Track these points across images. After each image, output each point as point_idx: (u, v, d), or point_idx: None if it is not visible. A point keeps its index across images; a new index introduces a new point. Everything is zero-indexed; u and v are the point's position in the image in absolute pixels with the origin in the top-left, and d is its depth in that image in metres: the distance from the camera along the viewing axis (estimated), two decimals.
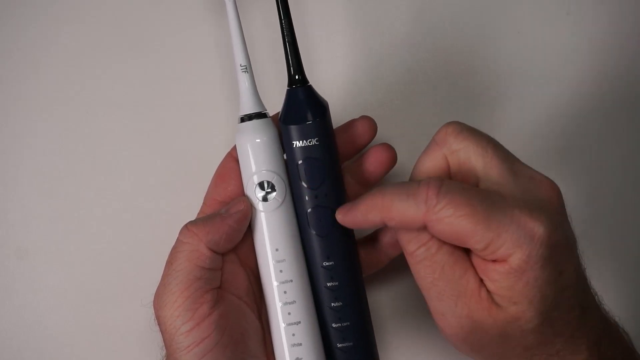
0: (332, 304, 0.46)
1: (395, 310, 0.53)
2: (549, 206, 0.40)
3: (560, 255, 0.40)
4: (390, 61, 0.54)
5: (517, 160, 0.42)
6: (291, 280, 0.45)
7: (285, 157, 0.46)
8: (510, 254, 0.39)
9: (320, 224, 0.46)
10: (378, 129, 0.49)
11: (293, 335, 0.45)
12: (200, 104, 0.54)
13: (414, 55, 0.54)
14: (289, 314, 0.45)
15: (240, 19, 0.47)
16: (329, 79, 0.53)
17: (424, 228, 0.40)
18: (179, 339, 0.43)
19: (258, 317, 0.47)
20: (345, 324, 0.46)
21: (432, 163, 0.43)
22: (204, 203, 0.48)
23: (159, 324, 0.44)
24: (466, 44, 0.54)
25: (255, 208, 0.46)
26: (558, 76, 0.54)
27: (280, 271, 0.45)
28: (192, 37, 0.54)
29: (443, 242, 0.41)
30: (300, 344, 0.45)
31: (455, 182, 0.40)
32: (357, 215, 0.43)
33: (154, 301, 0.45)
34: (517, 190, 0.40)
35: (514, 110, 0.54)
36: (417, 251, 0.42)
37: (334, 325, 0.46)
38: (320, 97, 0.46)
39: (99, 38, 0.54)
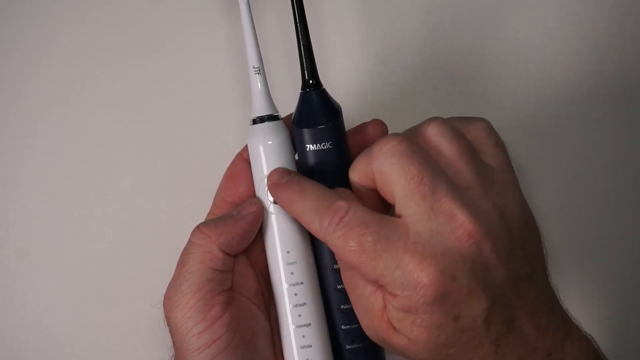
0: (342, 306, 0.46)
1: None
2: (453, 254, 0.39)
3: (455, 303, 0.39)
4: (390, 61, 0.54)
5: (449, 195, 0.40)
6: (302, 283, 0.46)
7: (296, 158, 0.46)
8: (396, 295, 0.40)
9: None
10: None
11: (303, 337, 0.45)
12: (200, 103, 0.54)
13: (414, 55, 0.54)
14: (299, 316, 0.45)
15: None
16: (328, 79, 0.53)
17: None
18: (190, 340, 0.43)
19: (267, 318, 0.47)
20: (354, 326, 0.46)
21: (362, 171, 0.43)
22: (213, 204, 0.48)
23: (169, 325, 0.44)
24: (466, 44, 0.54)
25: (266, 210, 0.46)
26: (558, 76, 0.54)
27: (291, 273, 0.46)
28: (194, 37, 0.53)
29: None
30: (310, 346, 0.45)
31: (361, 212, 0.41)
32: (278, 198, 0.45)
33: (164, 302, 0.44)
34: (424, 231, 0.39)
35: (514, 110, 0.54)
36: (339, 262, 0.44)
37: (343, 327, 0.46)
38: (334, 100, 0.46)
39: (99, 38, 0.54)
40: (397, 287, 0.39)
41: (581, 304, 0.51)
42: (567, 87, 0.54)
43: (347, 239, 0.40)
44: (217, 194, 0.48)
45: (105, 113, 0.53)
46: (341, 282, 0.45)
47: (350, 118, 0.50)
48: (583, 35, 0.55)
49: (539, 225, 0.44)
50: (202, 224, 0.45)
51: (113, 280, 0.53)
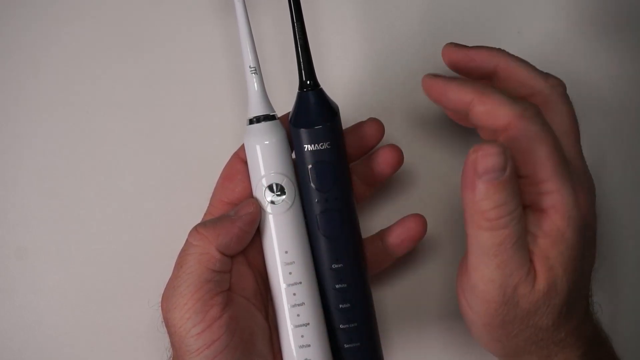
0: (341, 305, 0.46)
1: (397, 309, 0.53)
2: (592, 197, 0.44)
3: (586, 239, 0.41)
4: (391, 61, 0.54)
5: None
6: (300, 282, 0.46)
7: (293, 156, 0.46)
8: (553, 206, 0.40)
9: (330, 227, 0.46)
10: None
11: (302, 336, 0.45)
12: (200, 104, 0.54)
13: (414, 55, 0.54)
14: (298, 315, 0.45)
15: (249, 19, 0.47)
16: (328, 79, 0.53)
17: (503, 129, 0.41)
18: (189, 341, 0.43)
19: (265, 318, 0.47)
20: (352, 325, 0.46)
21: (519, 89, 0.45)
22: (210, 204, 0.48)
23: (168, 326, 0.44)
24: (466, 44, 0.54)
25: (264, 210, 0.46)
26: (558, 77, 0.54)
27: (290, 273, 0.45)
28: (194, 37, 0.54)
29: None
30: (309, 345, 0.45)
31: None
32: (445, 88, 0.44)
33: (162, 303, 0.44)
34: (578, 172, 0.44)
35: None
36: (500, 220, 0.40)
37: (341, 326, 0.46)
38: (331, 100, 0.46)
39: (98, 38, 0.54)
40: (561, 199, 0.40)
41: None
42: (567, 87, 0.54)
43: (546, 132, 0.41)
44: (213, 194, 0.48)
45: (105, 113, 0.53)
46: (339, 282, 0.45)
47: (350, 118, 0.50)
48: (583, 36, 0.55)
49: None
50: (199, 224, 0.45)
51: (113, 280, 0.53)
